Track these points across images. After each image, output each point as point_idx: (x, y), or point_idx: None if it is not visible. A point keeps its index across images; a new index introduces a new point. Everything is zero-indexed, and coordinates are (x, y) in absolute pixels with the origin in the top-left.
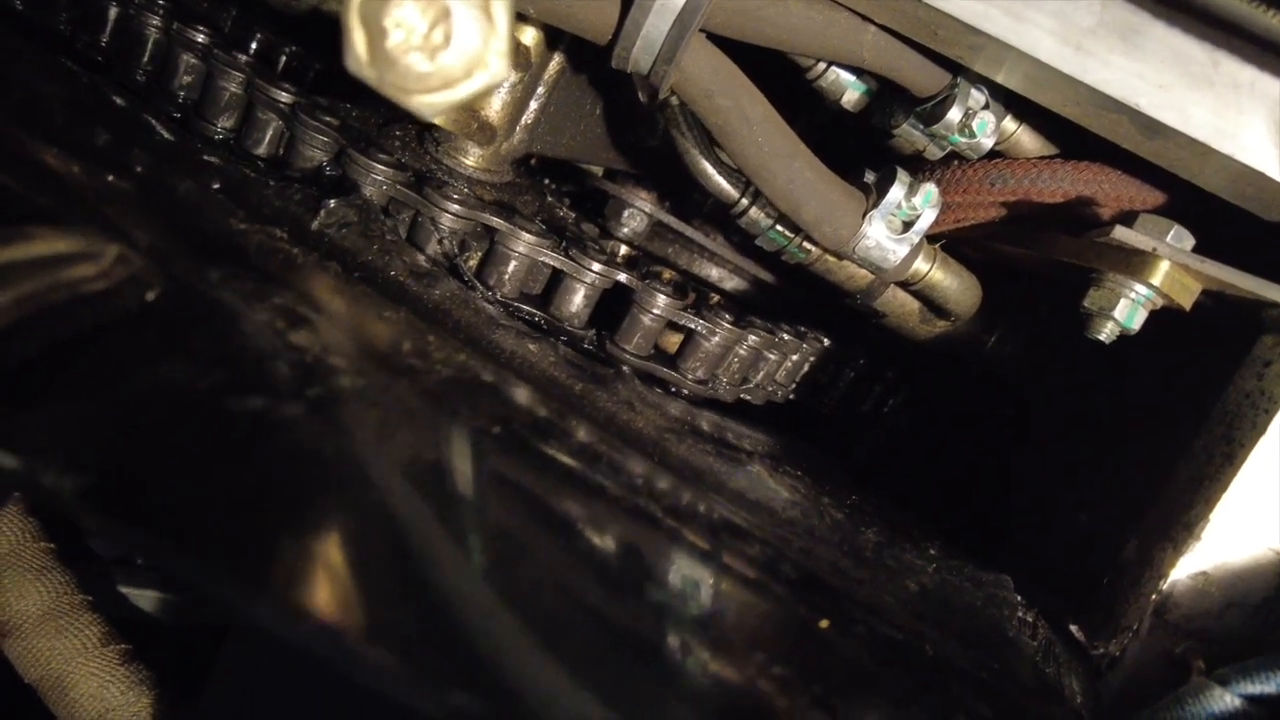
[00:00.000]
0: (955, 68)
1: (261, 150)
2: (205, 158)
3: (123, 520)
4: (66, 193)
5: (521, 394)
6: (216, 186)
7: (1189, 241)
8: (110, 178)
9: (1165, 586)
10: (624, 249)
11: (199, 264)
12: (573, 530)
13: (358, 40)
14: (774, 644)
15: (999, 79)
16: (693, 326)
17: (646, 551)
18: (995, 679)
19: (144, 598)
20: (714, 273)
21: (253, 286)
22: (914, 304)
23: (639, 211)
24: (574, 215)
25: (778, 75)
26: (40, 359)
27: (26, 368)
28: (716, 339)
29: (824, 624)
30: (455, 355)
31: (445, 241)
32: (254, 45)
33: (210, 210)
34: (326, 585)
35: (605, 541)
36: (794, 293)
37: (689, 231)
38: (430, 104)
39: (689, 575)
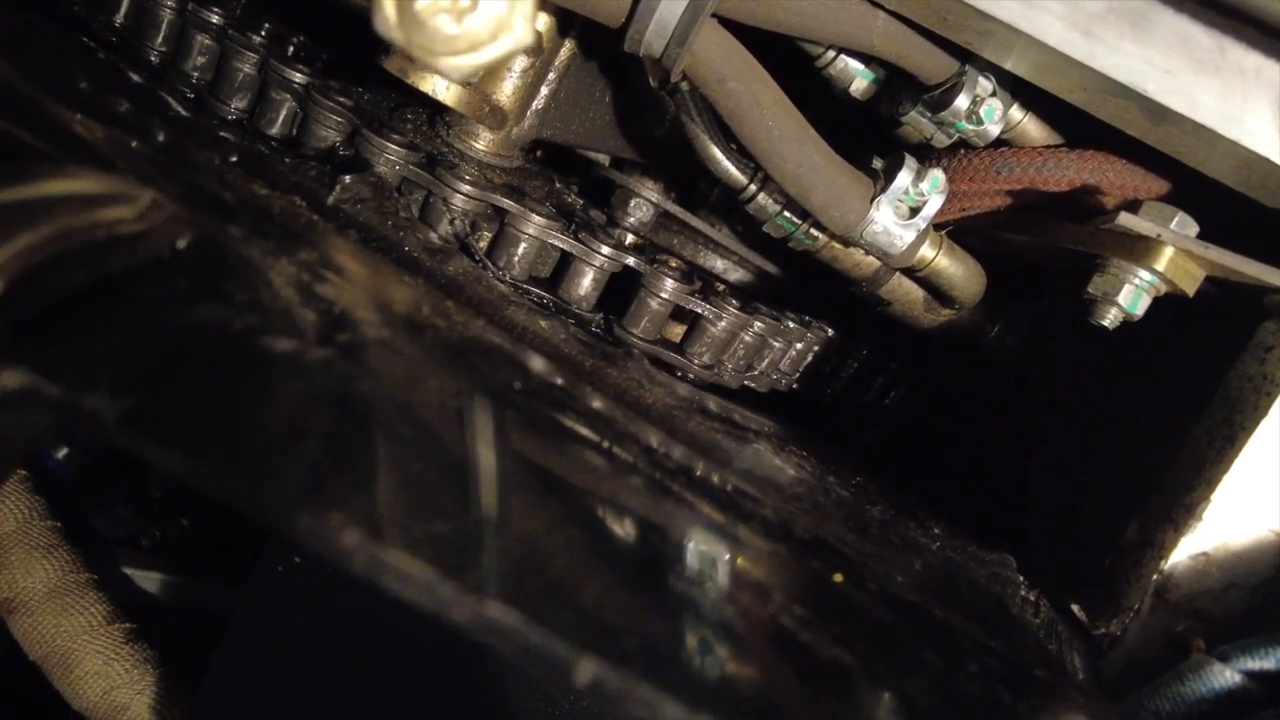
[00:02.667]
0: (964, 55)
1: (275, 130)
2: (221, 134)
3: (161, 443)
4: (92, 153)
5: (537, 362)
6: (234, 159)
7: (1193, 228)
8: (134, 143)
9: (1166, 567)
10: (630, 238)
11: (226, 219)
12: (591, 475)
13: (387, 2)
14: (792, 589)
15: (1008, 65)
16: (699, 311)
17: (663, 508)
18: (1001, 649)
19: (147, 579)
20: (719, 264)
21: (278, 243)
22: (919, 292)
23: (645, 201)
24: (582, 202)
25: (786, 64)
26: (79, 294)
27: (67, 302)
28: (723, 324)
29: (838, 577)
30: (474, 320)
31: (457, 222)
32: (263, 32)
33: (232, 177)
34: (363, 503)
35: (623, 495)
36: (798, 285)
37: (695, 222)
38: (456, 66)
39: (705, 529)
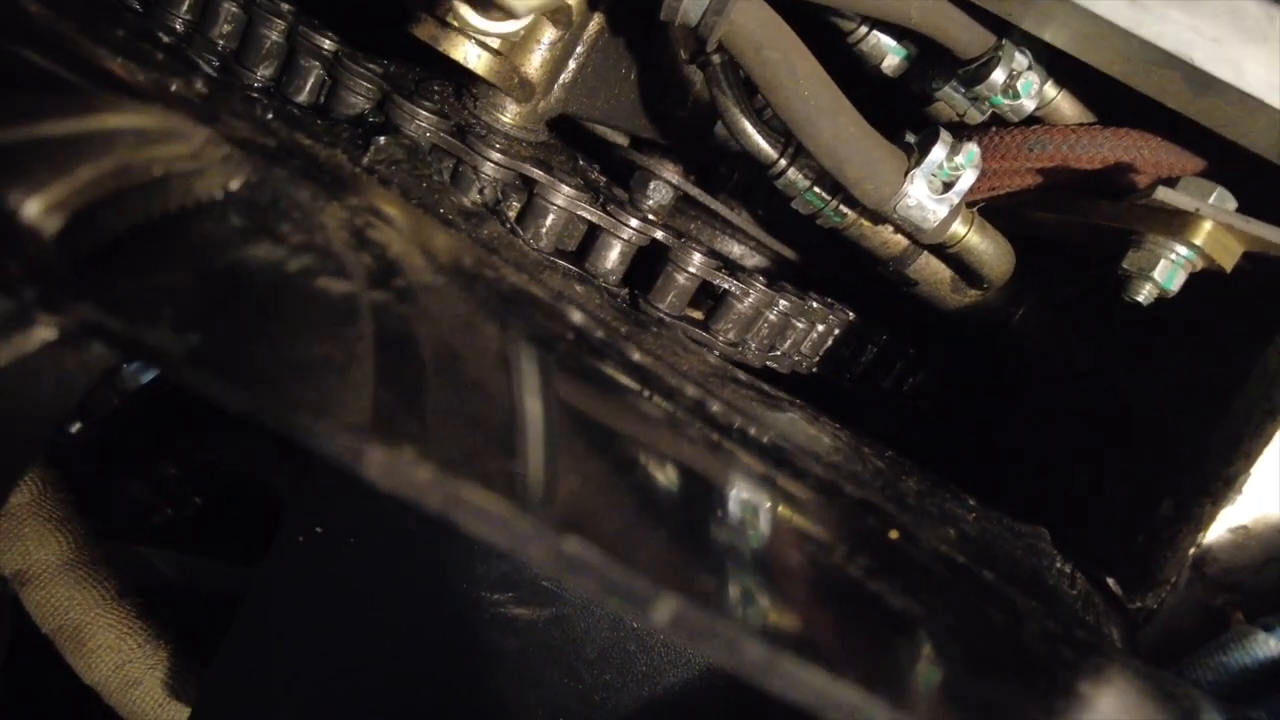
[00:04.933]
0: (1001, 29)
1: (303, 98)
2: (251, 96)
3: (227, 377)
4: (139, 93)
5: (579, 316)
6: (270, 116)
7: (1232, 203)
8: (174, 87)
9: (1204, 541)
10: (650, 220)
11: (275, 163)
12: (647, 426)
13: None
14: (853, 542)
15: (1047, 37)
16: (726, 287)
17: (720, 459)
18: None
19: (159, 556)
20: (736, 249)
21: (328, 188)
22: (946, 272)
23: (665, 184)
24: (605, 179)
25: (817, 46)
26: (138, 230)
27: (125, 238)
28: (749, 300)
29: (893, 534)
30: (518, 274)
31: (486, 190)
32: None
33: (274, 125)
34: (433, 439)
35: (681, 446)
36: (818, 270)
37: (714, 205)
38: None
39: (761, 482)
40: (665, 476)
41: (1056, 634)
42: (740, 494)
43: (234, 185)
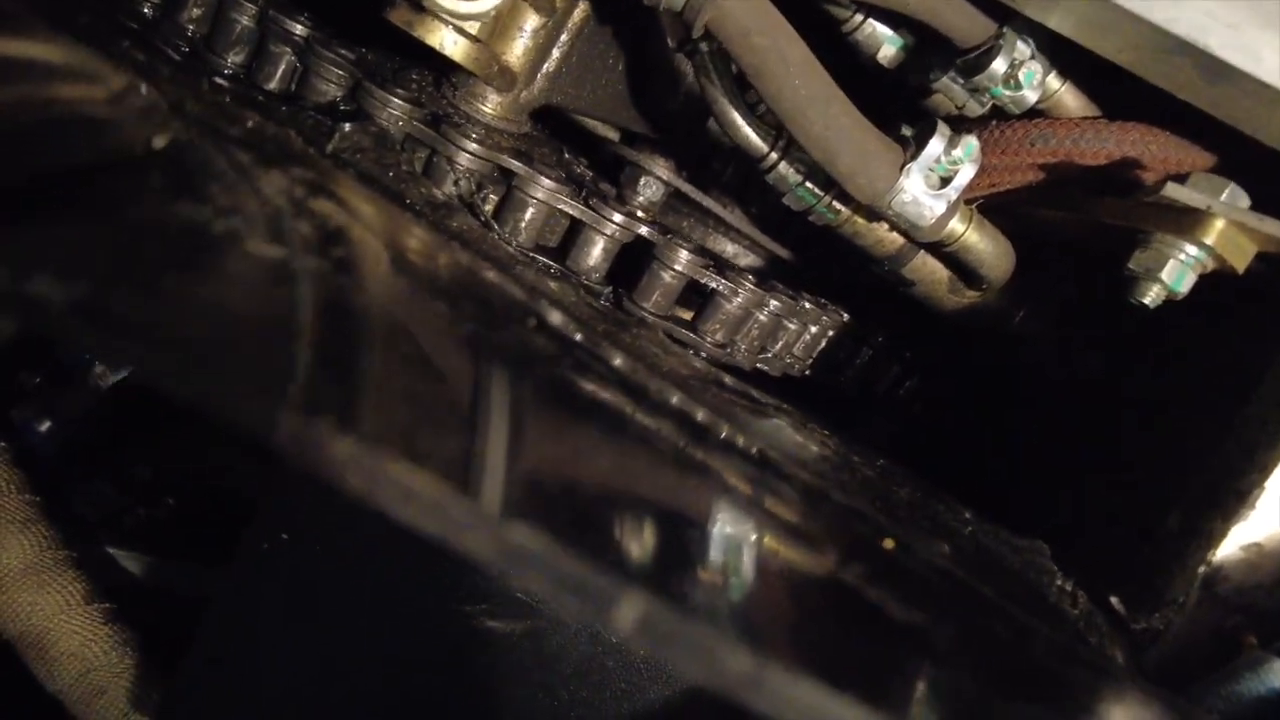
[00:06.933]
0: (1003, 16)
1: (273, 85)
2: (216, 80)
3: (116, 333)
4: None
5: (553, 313)
6: (228, 100)
7: (1245, 201)
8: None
9: (1214, 558)
10: (640, 216)
11: (215, 126)
12: (613, 420)
13: None
14: (845, 548)
15: (1051, 24)
16: (714, 285)
17: (697, 454)
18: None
19: (130, 559)
20: (730, 248)
21: (271, 155)
22: (944, 272)
23: (655, 180)
24: (591, 174)
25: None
26: (36, 177)
27: (22, 184)
28: (738, 300)
29: (889, 543)
30: (481, 262)
31: (461, 182)
32: None
33: (223, 108)
34: (359, 412)
35: (652, 440)
36: (811, 270)
37: (706, 201)
38: None
39: (745, 480)
40: (636, 470)
41: (1067, 651)
42: (718, 497)
43: (158, 143)
